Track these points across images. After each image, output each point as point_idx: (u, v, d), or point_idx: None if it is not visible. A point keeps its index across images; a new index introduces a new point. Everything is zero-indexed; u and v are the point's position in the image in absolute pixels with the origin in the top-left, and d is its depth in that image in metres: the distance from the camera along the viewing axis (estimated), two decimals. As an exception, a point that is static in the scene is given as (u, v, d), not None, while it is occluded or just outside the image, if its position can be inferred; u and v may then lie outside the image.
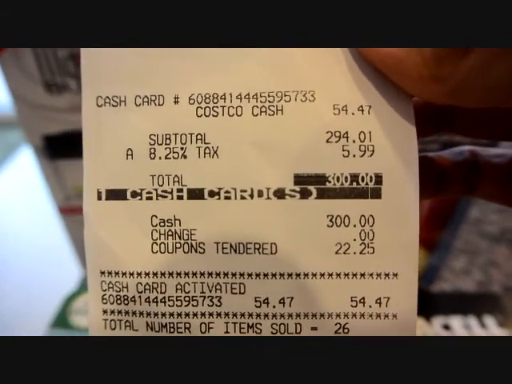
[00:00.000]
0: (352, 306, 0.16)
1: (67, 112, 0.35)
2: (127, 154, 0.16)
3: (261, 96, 0.16)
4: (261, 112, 0.16)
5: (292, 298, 0.16)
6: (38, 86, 0.34)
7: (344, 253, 0.15)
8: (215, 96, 0.16)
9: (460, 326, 0.41)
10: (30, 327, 0.41)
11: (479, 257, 0.47)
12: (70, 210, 0.41)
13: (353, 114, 0.15)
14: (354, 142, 0.15)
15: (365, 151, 0.15)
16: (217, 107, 0.16)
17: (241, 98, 0.16)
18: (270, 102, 0.16)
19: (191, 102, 0.16)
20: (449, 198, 0.38)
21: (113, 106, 0.16)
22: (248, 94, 0.16)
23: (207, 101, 0.16)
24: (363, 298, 0.16)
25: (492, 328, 0.40)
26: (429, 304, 0.43)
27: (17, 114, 0.35)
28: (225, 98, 0.16)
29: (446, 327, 0.41)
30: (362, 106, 0.15)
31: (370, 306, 0.16)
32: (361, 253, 0.15)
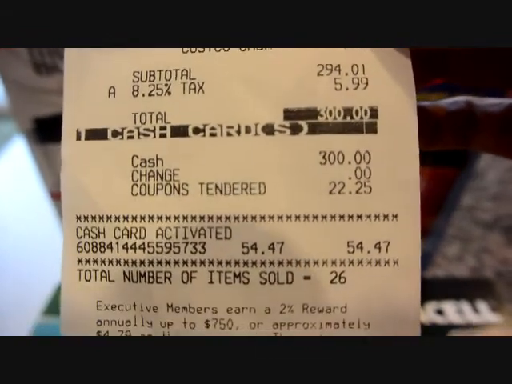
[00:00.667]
0: (349, 251, 0.14)
1: (58, 94, 0.33)
2: (109, 92, 0.15)
3: None
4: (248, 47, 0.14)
5: (282, 243, 0.14)
6: (27, 66, 0.32)
7: (338, 192, 0.14)
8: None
9: (453, 311, 0.40)
10: (22, 314, 0.39)
11: (472, 243, 0.46)
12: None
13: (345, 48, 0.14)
14: (346, 74, 0.14)
15: (358, 84, 0.14)
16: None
17: None
18: None
19: None
20: (442, 184, 0.37)
21: None
22: None
23: None
24: (361, 243, 0.14)
25: (485, 313, 0.39)
26: (422, 289, 0.41)
27: (6, 96, 0.34)
28: None
29: (439, 312, 0.40)
30: None
31: (369, 252, 0.14)
32: (357, 192, 0.14)
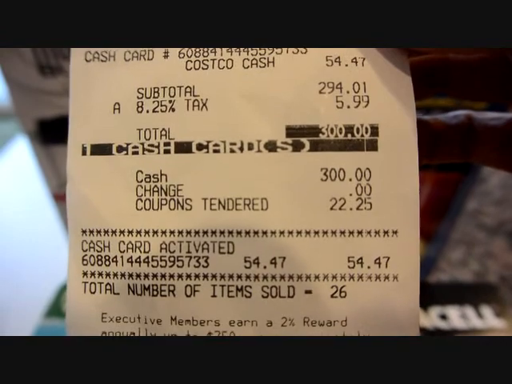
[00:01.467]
0: (349, 266, 0.14)
1: (62, 95, 0.34)
2: (114, 109, 0.15)
3: (252, 49, 0.15)
4: (251, 64, 0.15)
5: (284, 257, 0.14)
6: (32, 68, 0.32)
7: (339, 209, 0.14)
8: (205, 50, 0.15)
9: (457, 315, 0.40)
10: (24, 316, 0.39)
11: (476, 248, 0.46)
12: (65, 197, 0.40)
13: (346, 65, 0.15)
14: (347, 92, 0.14)
15: (359, 102, 0.14)
16: (207, 60, 0.15)
17: (231, 51, 0.15)
18: (260, 54, 0.15)
19: (181, 55, 0.15)
20: (446, 189, 0.37)
21: (101, 61, 0.15)
22: (238, 47, 0.15)
23: (197, 54, 0.15)
24: (361, 258, 0.14)
25: (489, 318, 0.39)
26: (426, 294, 0.41)
27: (10, 98, 0.34)
28: (215, 52, 0.15)
29: (443, 317, 0.40)
30: (355, 58, 0.15)
31: (369, 267, 0.14)
32: (357, 208, 0.14)
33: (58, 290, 0.42)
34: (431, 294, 0.42)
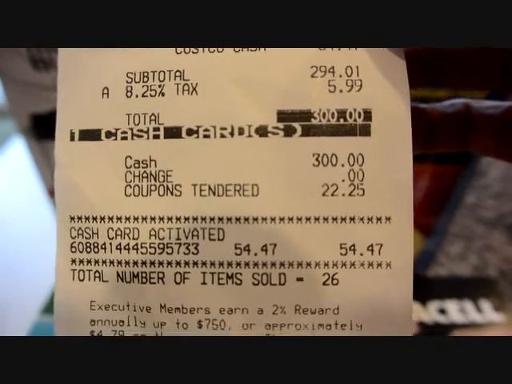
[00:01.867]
0: (341, 253, 0.14)
1: (55, 90, 0.34)
2: (103, 93, 0.15)
3: None
4: (242, 48, 0.15)
5: (275, 244, 0.14)
6: (25, 61, 0.32)
7: (331, 195, 0.14)
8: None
9: (456, 310, 0.40)
10: (21, 313, 0.40)
11: (475, 242, 0.46)
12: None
13: (339, 49, 0.14)
14: (340, 76, 0.14)
15: (352, 86, 0.14)
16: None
17: None
18: None
19: None
20: (445, 182, 0.37)
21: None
22: None
23: None
24: (353, 245, 0.14)
25: (488, 312, 0.40)
26: (424, 288, 0.42)
27: (3, 93, 0.34)
28: None
29: (442, 311, 0.40)
30: None
31: (362, 254, 0.14)
32: (350, 195, 0.14)
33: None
34: (430, 289, 0.42)
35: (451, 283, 0.43)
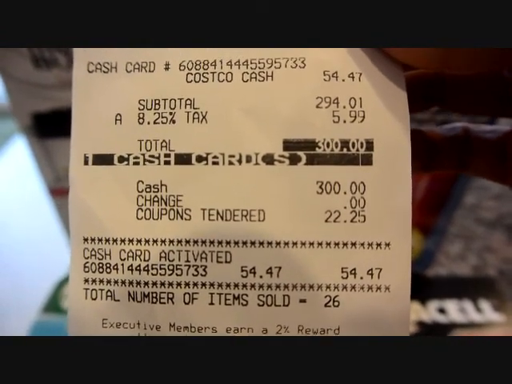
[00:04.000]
0: (343, 277, 0.15)
1: (57, 88, 0.34)
2: (116, 119, 0.16)
3: (251, 62, 0.15)
4: (251, 78, 0.15)
5: (280, 267, 0.15)
6: (26, 60, 0.33)
7: (334, 221, 0.15)
8: (205, 63, 0.16)
9: (455, 309, 0.41)
10: (21, 312, 0.40)
11: (475, 242, 0.47)
12: (61, 192, 0.40)
13: (343, 80, 0.15)
14: (344, 107, 0.15)
15: (355, 117, 0.15)
16: (207, 73, 0.16)
17: (231, 65, 0.16)
18: (260, 68, 0.15)
19: (181, 68, 0.16)
20: (444, 183, 0.37)
21: (104, 72, 0.16)
22: (238, 61, 0.16)
23: (197, 67, 0.16)
24: (354, 269, 0.15)
25: (487, 312, 0.40)
26: (424, 288, 0.43)
27: (4, 91, 0.34)
28: (215, 65, 0.16)
29: (442, 311, 0.41)
30: (352, 73, 0.15)
31: (362, 278, 0.15)
32: (351, 221, 0.15)
33: (55, 286, 0.42)
34: (430, 288, 0.43)
35: (451, 283, 0.44)
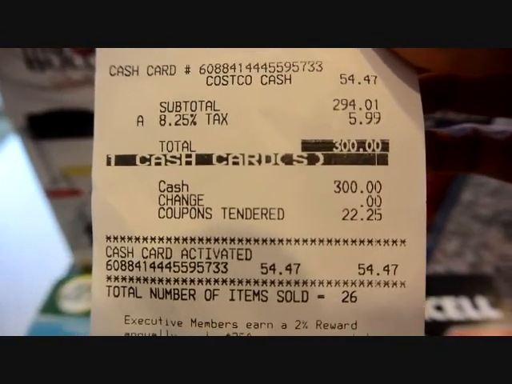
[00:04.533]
0: (360, 273, 0.16)
1: (51, 90, 0.34)
2: (138, 121, 0.16)
3: (270, 66, 0.16)
4: (269, 81, 0.16)
5: (299, 264, 0.16)
6: (20, 61, 0.33)
7: (351, 219, 0.16)
8: (225, 66, 0.16)
9: (452, 307, 0.42)
10: (19, 313, 0.41)
11: (471, 239, 0.48)
12: (57, 193, 0.41)
13: (359, 83, 0.16)
14: (360, 109, 0.16)
15: (371, 118, 0.16)
16: (227, 76, 0.16)
17: (250, 68, 0.16)
18: (278, 71, 0.16)
19: (202, 71, 0.16)
20: (442, 180, 0.38)
21: (125, 75, 0.17)
22: (257, 64, 0.16)
23: (217, 70, 0.16)
24: (371, 266, 0.16)
25: (484, 309, 0.41)
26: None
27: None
28: (234, 68, 0.16)
29: (439, 308, 0.42)
30: (368, 76, 0.16)
31: (378, 274, 0.16)
32: (368, 219, 0.16)
33: (52, 287, 0.43)
34: (426, 285, 0.43)
35: (448, 280, 0.45)
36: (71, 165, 0.39)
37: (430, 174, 0.19)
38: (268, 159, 0.16)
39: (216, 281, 0.16)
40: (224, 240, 0.16)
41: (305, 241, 0.16)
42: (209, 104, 0.16)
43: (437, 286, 0.44)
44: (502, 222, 0.49)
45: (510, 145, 0.19)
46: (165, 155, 0.16)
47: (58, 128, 0.36)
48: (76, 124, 0.36)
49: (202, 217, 0.16)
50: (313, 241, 0.16)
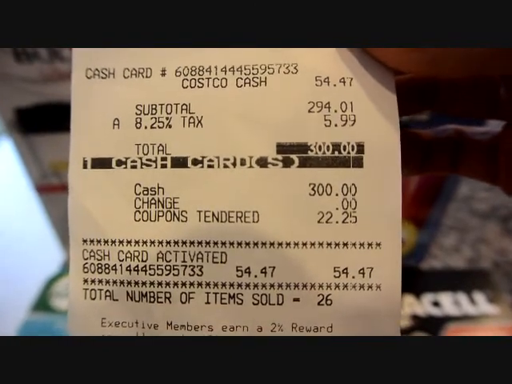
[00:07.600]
0: (335, 276, 0.16)
1: (39, 83, 0.35)
2: (114, 124, 0.17)
3: (245, 68, 0.17)
4: (245, 83, 0.16)
5: (274, 267, 0.16)
6: (8, 54, 0.34)
7: (326, 222, 0.16)
8: (201, 68, 0.17)
9: (450, 302, 0.42)
10: (10, 311, 0.41)
11: (469, 234, 0.48)
12: (48, 189, 0.41)
13: (334, 85, 0.16)
14: (335, 111, 0.16)
15: (346, 121, 0.16)
16: (202, 79, 0.17)
17: (225, 71, 0.17)
18: (253, 74, 0.16)
19: (177, 74, 0.17)
20: (437, 175, 0.38)
21: (102, 77, 0.17)
22: (233, 67, 0.17)
23: (193, 73, 0.17)
24: (346, 269, 0.16)
25: (482, 304, 0.42)
26: (418, 281, 0.44)
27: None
28: (210, 71, 0.17)
29: (436, 304, 0.42)
30: (343, 78, 0.16)
31: (354, 277, 0.16)
32: (343, 222, 0.16)
33: (44, 284, 0.43)
34: (424, 281, 0.44)
35: (445, 275, 0.45)
36: (62, 159, 0.40)
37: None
38: (243, 162, 0.16)
39: (191, 284, 0.17)
40: (199, 243, 0.17)
41: (280, 244, 0.16)
42: (184, 107, 0.17)
43: (434, 281, 0.44)
44: (499, 217, 0.49)
45: (492, 146, 0.20)
46: (140, 158, 0.17)
47: (47, 122, 0.37)
48: (65, 117, 0.35)
49: (178, 220, 0.17)
50: (288, 244, 0.16)
